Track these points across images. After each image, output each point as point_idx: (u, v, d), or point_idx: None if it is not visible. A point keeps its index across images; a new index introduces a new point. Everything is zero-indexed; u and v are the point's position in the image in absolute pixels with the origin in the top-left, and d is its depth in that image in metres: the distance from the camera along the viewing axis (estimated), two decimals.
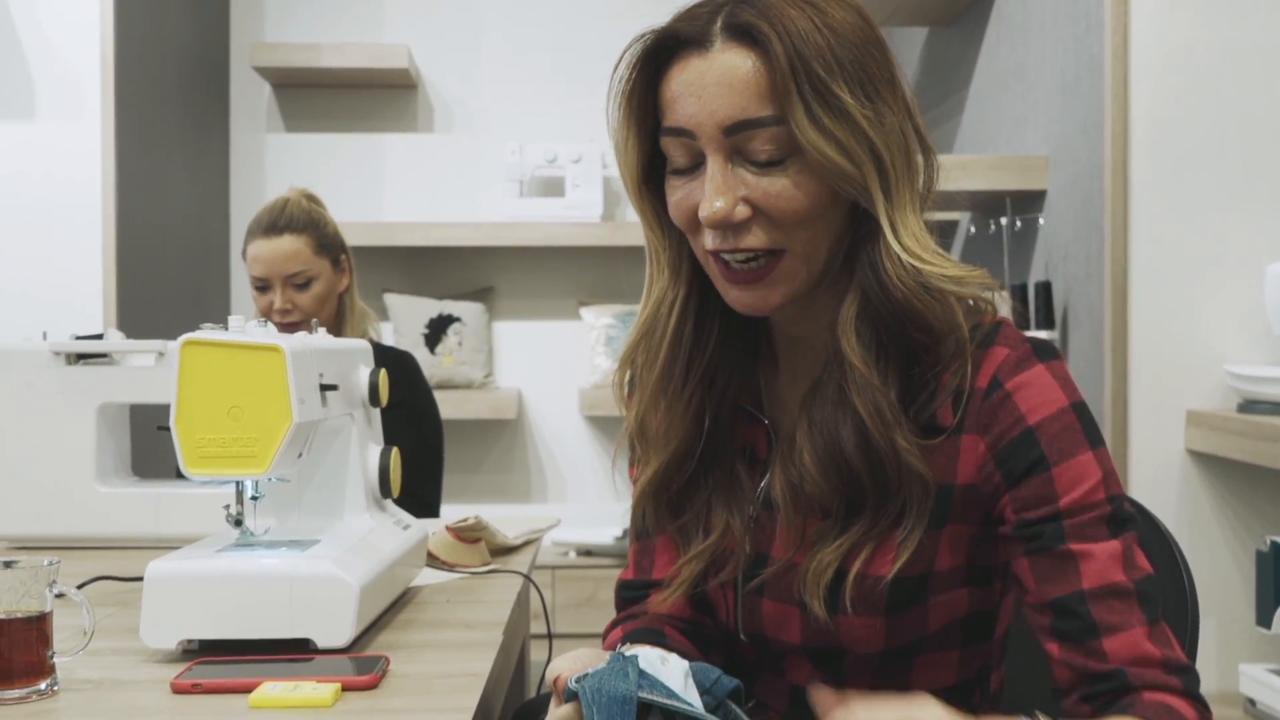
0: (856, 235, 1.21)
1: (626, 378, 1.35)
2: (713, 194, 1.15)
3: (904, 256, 1.17)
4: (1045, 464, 1.16)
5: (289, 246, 2.64)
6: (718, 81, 1.15)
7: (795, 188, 1.16)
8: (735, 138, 1.16)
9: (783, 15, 1.14)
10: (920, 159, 1.23)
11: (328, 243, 2.69)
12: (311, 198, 2.75)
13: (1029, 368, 1.19)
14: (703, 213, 1.16)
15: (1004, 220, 3.38)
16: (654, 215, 1.26)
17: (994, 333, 1.22)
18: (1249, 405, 2.67)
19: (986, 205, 3.56)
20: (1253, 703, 2.71)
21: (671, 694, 1.05)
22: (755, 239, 1.17)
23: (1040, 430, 1.17)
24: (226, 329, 1.41)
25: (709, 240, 1.19)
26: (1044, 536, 1.15)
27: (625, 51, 1.21)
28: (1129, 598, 1.13)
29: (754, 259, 1.18)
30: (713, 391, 1.28)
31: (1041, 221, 3.24)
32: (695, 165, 1.19)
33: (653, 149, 1.23)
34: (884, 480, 1.18)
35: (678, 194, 1.20)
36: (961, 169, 3.24)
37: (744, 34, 1.15)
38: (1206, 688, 2.89)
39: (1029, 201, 3.31)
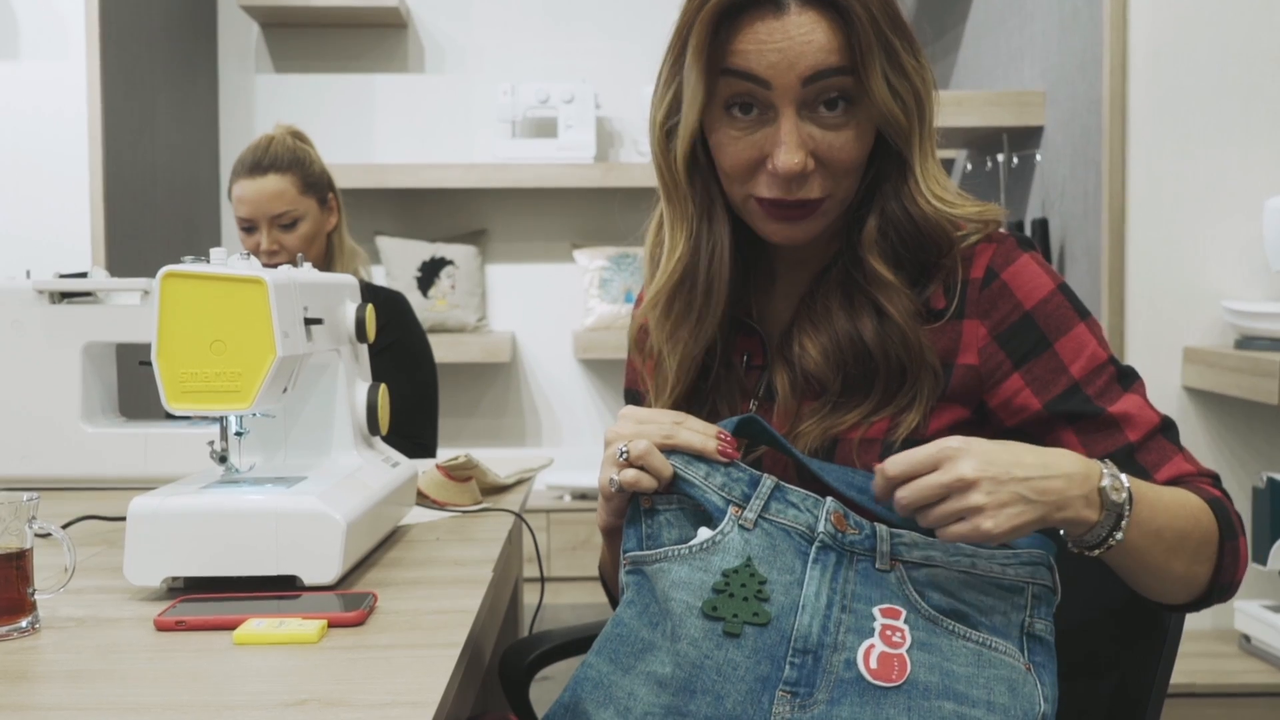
0: (878, 168, 1.32)
1: (653, 320, 1.39)
2: (790, 148, 1.24)
3: (933, 201, 1.30)
4: (1046, 342, 1.29)
5: (273, 186, 2.60)
6: (799, 38, 1.22)
7: (856, 139, 1.27)
8: (809, 89, 1.24)
9: None
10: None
11: (314, 181, 2.65)
12: (297, 135, 2.71)
13: (1018, 258, 1.32)
14: (780, 166, 1.24)
15: (1000, 157, 3.35)
16: (692, 164, 1.32)
17: (986, 219, 1.34)
18: (1246, 341, 2.65)
19: (983, 142, 3.53)
20: (1248, 639, 2.71)
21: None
22: (814, 190, 1.27)
23: (1036, 313, 1.30)
24: (209, 262, 1.38)
25: (769, 189, 1.27)
26: (1081, 411, 1.28)
27: (695, 13, 1.25)
28: (1159, 435, 1.28)
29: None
30: (719, 320, 1.36)
31: (1038, 158, 3.21)
32: (757, 116, 1.26)
33: (709, 102, 1.29)
34: (901, 369, 1.29)
35: (737, 142, 1.27)
36: (958, 105, 3.21)
37: (818, 0, 1.23)
38: (1201, 625, 2.90)
39: (1026, 138, 3.28)
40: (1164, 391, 2.77)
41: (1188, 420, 2.79)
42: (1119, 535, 1.16)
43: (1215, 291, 2.78)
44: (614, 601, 1.44)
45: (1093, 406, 1.27)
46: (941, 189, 1.31)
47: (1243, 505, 2.71)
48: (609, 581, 1.44)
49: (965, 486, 1.10)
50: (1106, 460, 1.18)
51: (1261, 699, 2.59)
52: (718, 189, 1.33)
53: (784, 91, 1.23)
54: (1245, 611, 2.70)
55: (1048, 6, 3.17)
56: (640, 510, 1.21)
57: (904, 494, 1.12)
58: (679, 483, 1.20)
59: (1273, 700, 2.59)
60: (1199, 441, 2.78)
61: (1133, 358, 2.77)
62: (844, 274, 1.33)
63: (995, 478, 1.11)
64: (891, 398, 1.29)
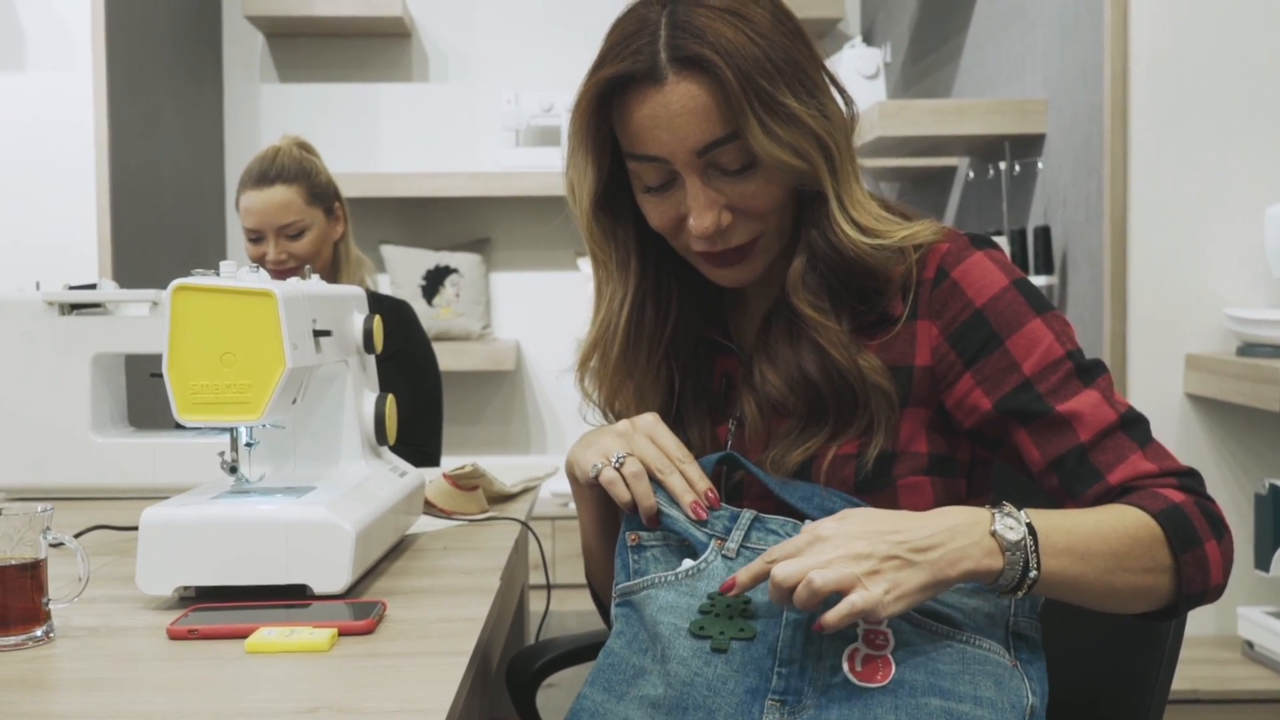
0: (799, 204, 1.32)
1: (587, 376, 1.43)
2: (700, 211, 1.26)
3: (852, 233, 1.28)
4: (997, 339, 1.27)
5: (280, 197, 2.61)
6: (681, 111, 1.24)
7: (767, 183, 1.27)
8: (707, 156, 1.25)
9: (719, 36, 1.22)
10: (855, 126, 1.33)
11: (320, 192, 2.67)
12: (304, 145, 2.72)
13: (969, 255, 1.30)
14: (696, 230, 1.27)
15: (1002, 165, 3.36)
16: (601, 230, 1.35)
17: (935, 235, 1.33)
18: (1248, 348, 2.66)
19: (985, 150, 3.54)
20: (1250, 645, 2.72)
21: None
22: (739, 236, 1.29)
23: (987, 310, 1.28)
24: (218, 274, 1.39)
25: (698, 245, 1.30)
26: (1032, 409, 1.25)
27: (579, 97, 1.29)
28: (1117, 432, 1.24)
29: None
30: (678, 355, 1.39)
31: (1040, 166, 3.22)
32: (667, 182, 1.28)
33: (605, 173, 1.32)
34: (850, 398, 1.28)
35: (657, 209, 1.30)
36: (959, 113, 3.22)
37: (692, 64, 1.23)
38: (1203, 630, 2.89)
39: (1027, 145, 3.29)
40: (1166, 398, 2.78)
41: (1190, 427, 2.80)
42: (1034, 573, 1.13)
43: (1217, 298, 2.79)
44: (600, 606, 1.46)
45: (1042, 404, 1.24)
46: (868, 217, 1.29)
47: (1245, 512, 2.72)
48: (596, 581, 1.45)
49: (828, 564, 1.09)
50: (1003, 503, 1.16)
51: (1264, 705, 2.60)
52: (635, 245, 1.36)
53: (683, 163, 1.26)
54: (1248, 618, 2.71)
55: (1049, 14, 3.18)
56: (627, 546, 1.26)
57: (777, 571, 1.10)
58: (663, 518, 1.26)
59: (1276, 707, 2.60)
60: (1201, 448, 2.79)
61: (1135, 365, 2.79)
62: (783, 308, 1.33)
63: (860, 553, 1.09)
64: (849, 422, 1.29)
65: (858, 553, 1.09)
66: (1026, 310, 1.28)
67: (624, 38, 1.26)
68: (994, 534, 1.12)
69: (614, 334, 1.36)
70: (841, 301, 1.31)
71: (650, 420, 1.30)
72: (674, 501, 1.25)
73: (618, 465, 1.26)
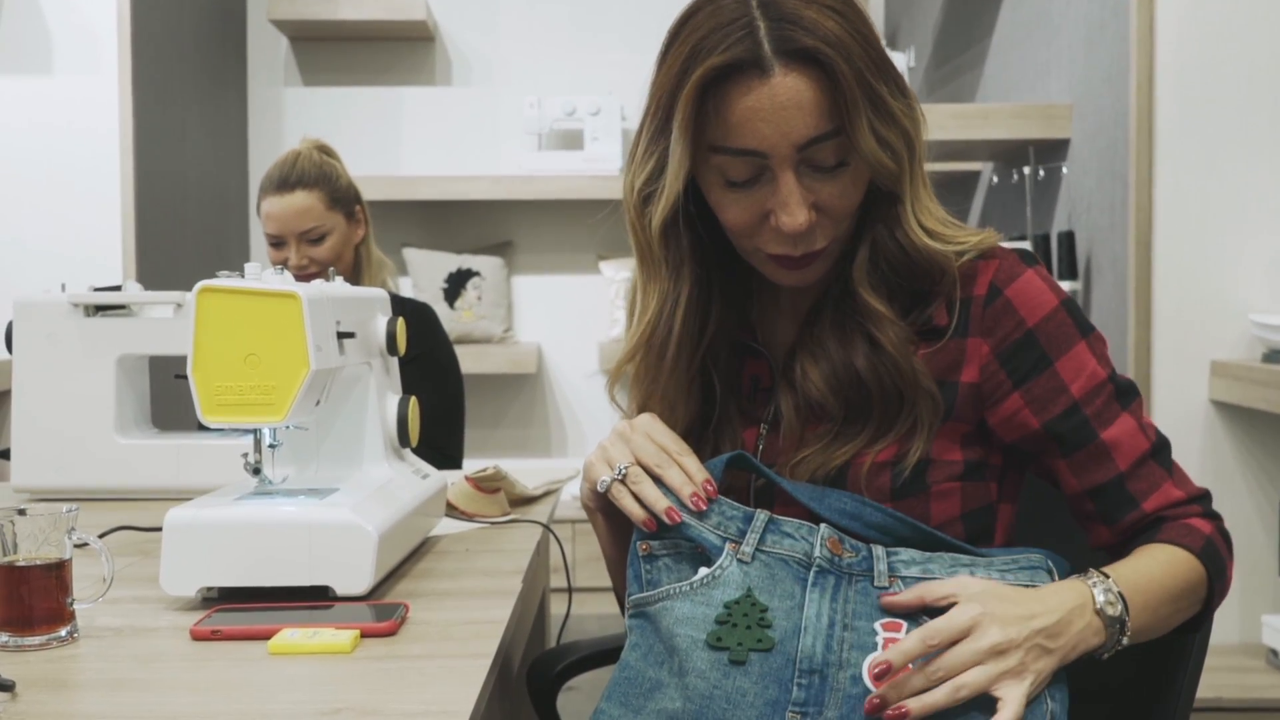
0: (869, 202, 1.30)
1: (620, 382, 1.42)
2: (794, 209, 1.23)
3: (924, 237, 1.28)
4: (1047, 360, 1.28)
5: (301, 203, 2.62)
6: (788, 104, 1.20)
7: (853, 184, 1.26)
8: (805, 152, 1.22)
9: (826, 30, 1.19)
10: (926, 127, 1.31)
11: (340, 196, 2.67)
12: (324, 149, 2.73)
13: (1021, 273, 1.30)
14: (787, 227, 1.23)
15: (1027, 170, 3.35)
16: (664, 232, 1.31)
17: (983, 249, 1.32)
18: (1274, 355, 2.65)
19: (1009, 155, 3.53)
20: (1275, 653, 2.70)
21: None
22: (817, 241, 1.27)
23: (1039, 330, 1.28)
24: (243, 276, 1.40)
25: (777, 246, 1.27)
26: (1074, 436, 1.28)
27: (676, 84, 1.23)
28: (1149, 460, 1.28)
29: None
30: (714, 361, 1.36)
31: (1065, 171, 3.22)
32: (753, 178, 1.24)
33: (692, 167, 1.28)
34: (897, 399, 1.28)
35: (737, 205, 1.26)
36: (984, 118, 3.21)
37: (802, 57, 1.19)
38: (1228, 638, 2.89)
39: (1052, 151, 3.28)
40: (1191, 405, 2.77)
41: (1214, 434, 2.78)
42: (1125, 640, 1.18)
43: (1242, 305, 2.78)
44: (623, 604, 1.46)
45: (1088, 430, 1.27)
46: (934, 221, 1.30)
47: (1269, 519, 2.71)
48: (618, 586, 1.44)
49: (1000, 652, 1.11)
50: (1089, 570, 1.19)
51: None
52: (689, 247, 1.32)
53: (780, 159, 1.22)
54: (1272, 626, 2.69)
55: (1075, 20, 3.17)
56: (639, 556, 1.24)
57: (946, 658, 1.11)
58: (682, 526, 1.23)
59: None
60: (1225, 455, 2.77)
61: (1160, 371, 2.77)
62: (837, 303, 1.32)
63: (1006, 644, 1.11)
64: (891, 425, 1.28)
65: (1006, 642, 1.11)
66: (1074, 332, 1.29)
67: (718, 27, 1.21)
68: (1099, 612, 1.16)
69: (667, 338, 1.33)
70: (895, 301, 1.30)
71: (647, 419, 1.29)
72: (684, 506, 1.23)
73: (620, 477, 1.24)
